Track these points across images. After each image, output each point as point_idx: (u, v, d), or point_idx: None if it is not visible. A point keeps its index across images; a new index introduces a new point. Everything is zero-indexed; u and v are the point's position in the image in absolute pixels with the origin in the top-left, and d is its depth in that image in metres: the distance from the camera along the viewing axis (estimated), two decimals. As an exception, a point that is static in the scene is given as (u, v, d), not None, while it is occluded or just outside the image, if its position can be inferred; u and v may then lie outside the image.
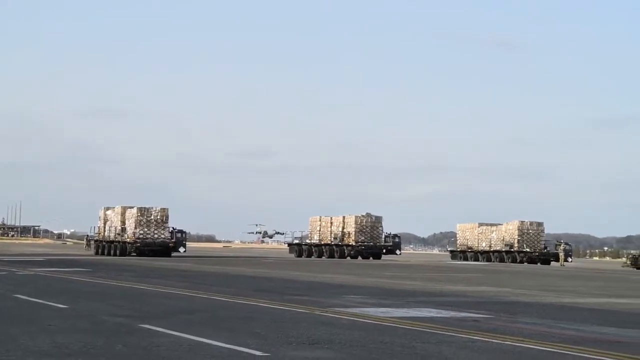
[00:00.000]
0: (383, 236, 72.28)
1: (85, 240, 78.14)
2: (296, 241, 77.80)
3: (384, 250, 71.80)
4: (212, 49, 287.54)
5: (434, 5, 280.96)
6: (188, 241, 69.46)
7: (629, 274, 52.01)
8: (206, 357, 9.57)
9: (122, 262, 45.76)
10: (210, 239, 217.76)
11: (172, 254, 60.22)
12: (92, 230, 68.73)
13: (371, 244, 70.73)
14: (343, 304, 17.54)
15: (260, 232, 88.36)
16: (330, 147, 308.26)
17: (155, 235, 60.87)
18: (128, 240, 60.94)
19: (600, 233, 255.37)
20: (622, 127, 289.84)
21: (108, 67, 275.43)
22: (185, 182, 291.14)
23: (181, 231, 64.02)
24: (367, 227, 71.18)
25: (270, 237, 73.28)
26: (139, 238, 60.25)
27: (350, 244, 70.64)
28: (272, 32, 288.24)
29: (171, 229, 62.36)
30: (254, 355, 9.81)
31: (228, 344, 10.60)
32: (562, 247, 74.05)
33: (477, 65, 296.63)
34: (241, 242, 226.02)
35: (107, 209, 66.05)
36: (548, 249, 74.39)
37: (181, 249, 62.73)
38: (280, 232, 76.19)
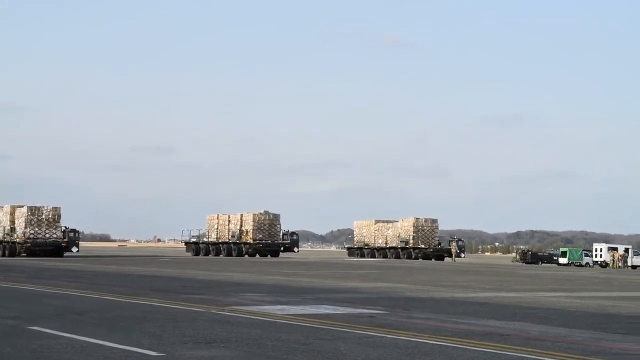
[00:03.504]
0: (281, 234, 72.44)
1: None
2: (193, 239, 77.03)
3: (282, 248, 72.01)
4: (112, 44, 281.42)
5: (331, 5, 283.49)
6: (82, 241, 67.91)
7: (518, 269, 53.87)
8: (99, 358, 9.35)
9: (10, 262, 44.21)
10: (105, 238, 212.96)
11: (65, 254, 58.68)
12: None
13: (269, 241, 70.77)
14: (240, 302, 17.48)
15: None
16: (229, 144, 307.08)
17: (47, 235, 59.08)
18: (18, 240, 58.98)
19: (491, 229, 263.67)
20: (511, 124, 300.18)
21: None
22: (79, 180, 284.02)
23: (74, 230, 62.52)
24: (265, 225, 71.16)
25: None
26: (29, 238, 58.36)
27: (248, 242, 70.46)
28: (173, 29, 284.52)
29: (63, 228, 60.83)
30: (149, 355, 9.65)
31: (122, 344, 10.39)
32: (454, 243, 76.10)
33: (375, 64, 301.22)
34: (137, 241, 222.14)
35: (-5, 208, 63.72)
36: (442, 245, 76.22)
37: (74, 249, 61.32)
38: None
